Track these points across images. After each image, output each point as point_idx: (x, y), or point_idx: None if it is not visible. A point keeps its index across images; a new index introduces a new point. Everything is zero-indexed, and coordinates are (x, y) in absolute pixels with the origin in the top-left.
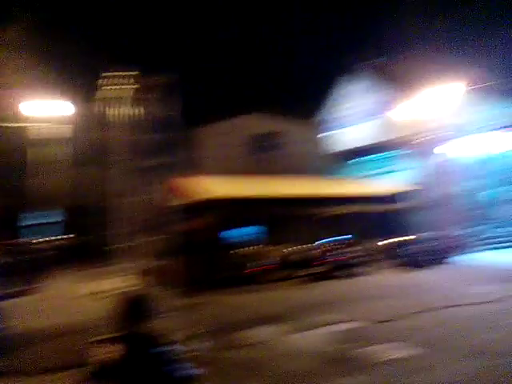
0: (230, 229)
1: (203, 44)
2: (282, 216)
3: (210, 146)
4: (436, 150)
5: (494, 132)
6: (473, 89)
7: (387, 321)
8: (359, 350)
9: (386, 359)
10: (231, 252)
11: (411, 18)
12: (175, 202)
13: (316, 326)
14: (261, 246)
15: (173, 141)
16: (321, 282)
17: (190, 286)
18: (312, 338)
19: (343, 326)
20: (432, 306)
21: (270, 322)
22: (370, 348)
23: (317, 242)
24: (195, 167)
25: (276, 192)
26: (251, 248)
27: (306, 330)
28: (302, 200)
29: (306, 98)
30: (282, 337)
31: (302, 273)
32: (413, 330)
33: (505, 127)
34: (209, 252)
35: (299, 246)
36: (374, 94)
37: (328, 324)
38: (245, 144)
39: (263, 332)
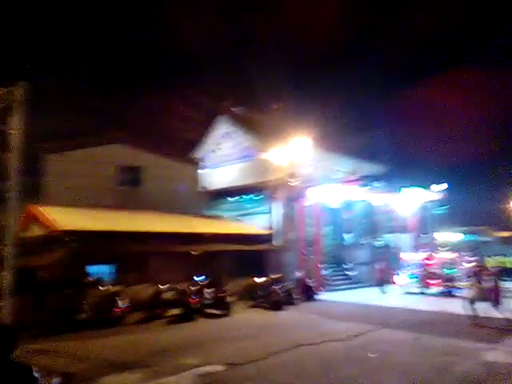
0: (88, 264)
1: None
2: (147, 253)
3: (66, 175)
4: (299, 195)
5: (345, 183)
6: (325, 145)
7: (249, 362)
8: None
9: None
10: (91, 290)
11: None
12: (22, 234)
13: (175, 372)
14: (124, 284)
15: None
16: (190, 322)
17: (42, 329)
18: None
19: (203, 370)
20: (291, 345)
21: (128, 368)
22: None
23: (186, 281)
24: (47, 196)
25: (137, 227)
26: (113, 286)
27: (164, 377)
28: (166, 236)
29: (179, 135)
30: None
31: (173, 312)
32: (269, 371)
33: (351, 180)
34: (65, 290)
35: (168, 285)
36: (247, 137)
37: (188, 368)
38: (108, 176)
39: (117, 381)
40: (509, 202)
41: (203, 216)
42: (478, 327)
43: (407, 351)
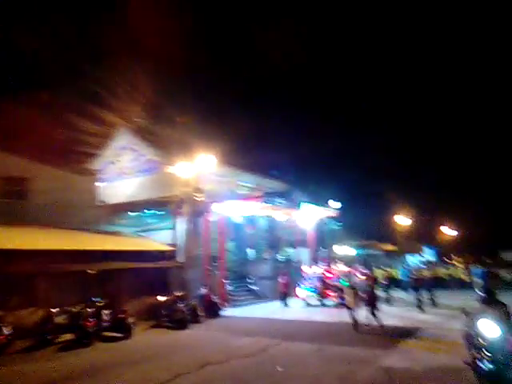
0: None
1: None
2: (33, 273)
3: None
4: (203, 211)
5: (249, 199)
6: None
7: None
8: None
9: None
10: None
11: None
12: None
13: None
14: (5, 309)
15: None
16: (87, 347)
17: None
18: None
19: None
20: (198, 364)
21: None
22: None
23: (81, 303)
24: None
25: (21, 244)
26: None
27: None
28: (55, 254)
29: (74, 145)
30: None
31: (66, 337)
32: None
33: (254, 196)
34: None
35: (59, 308)
36: (149, 150)
37: None
38: None
39: None
40: (392, 219)
41: (101, 232)
42: (371, 335)
43: (312, 362)
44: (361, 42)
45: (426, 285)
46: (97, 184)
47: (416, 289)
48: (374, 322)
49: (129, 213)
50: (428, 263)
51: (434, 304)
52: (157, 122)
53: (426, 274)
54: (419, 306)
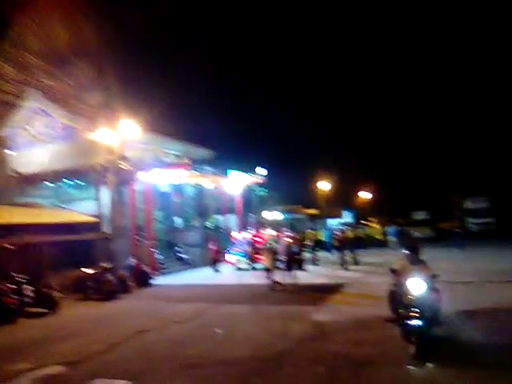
0: None
1: None
2: None
3: None
4: (129, 179)
5: (175, 167)
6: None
7: (91, 358)
8: None
9: None
10: None
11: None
12: None
13: (6, 379)
14: None
15: None
16: (9, 325)
17: None
18: None
19: (40, 374)
20: (133, 333)
21: None
22: None
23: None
24: None
25: None
26: None
27: None
28: None
29: None
30: None
31: None
32: (117, 362)
33: (181, 164)
34: None
35: None
36: (65, 114)
37: (21, 373)
38: None
39: None
40: (315, 184)
41: (17, 204)
42: (299, 293)
43: (249, 322)
44: None
45: (348, 245)
46: (8, 152)
47: (339, 249)
48: (293, 281)
49: (47, 183)
50: (347, 225)
51: (356, 262)
52: (74, 84)
53: (349, 234)
54: (343, 264)
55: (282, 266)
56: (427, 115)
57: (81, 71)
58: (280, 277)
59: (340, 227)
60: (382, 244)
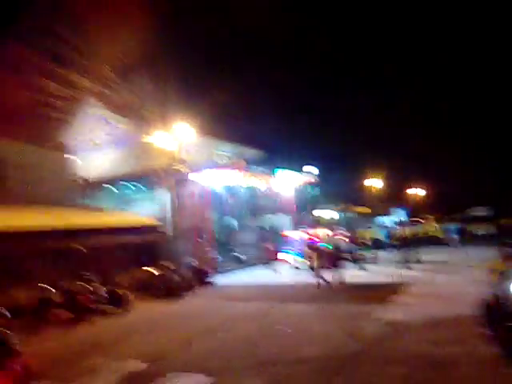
0: None
1: None
2: (20, 252)
3: None
4: (186, 181)
5: (229, 168)
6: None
7: (170, 355)
8: None
9: None
10: None
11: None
12: None
13: (94, 375)
14: None
15: None
16: (86, 323)
17: None
18: None
19: (125, 370)
20: (205, 331)
21: (35, 380)
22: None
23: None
24: None
25: (5, 225)
26: None
27: (82, 381)
28: (42, 233)
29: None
30: None
31: (63, 314)
32: (195, 360)
33: (234, 165)
34: None
35: (52, 286)
36: (124, 120)
37: (107, 369)
38: None
39: None
40: (365, 182)
41: (81, 208)
42: (362, 292)
43: (317, 322)
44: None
45: (409, 243)
46: (72, 158)
47: (401, 247)
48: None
49: (109, 187)
50: (401, 223)
51: (418, 261)
52: (132, 91)
53: (408, 232)
54: (404, 263)
55: (329, 264)
56: (484, 102)
57: (140, 78)
58: (328, 276)
59: (398, 225)
60: (439, 242)
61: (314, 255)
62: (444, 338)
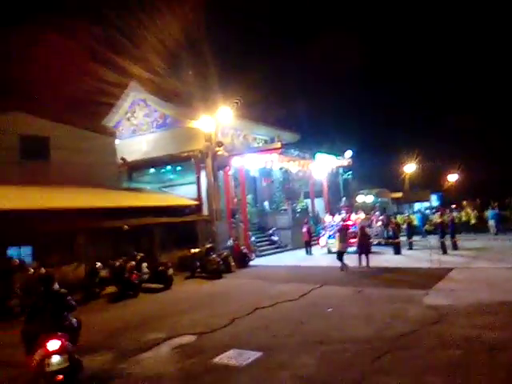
0: (8, 247)
1: None
2: (71, 230)
3: None
4: (224, 164)
5: (266, 151)
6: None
7: (216, 330)
8: (215, 360)
9: (244, 364)
10: (19, 274)
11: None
12: None
13: (147, 348)
14: (49, 266)
15: None
16: (132, 299)
17: None
18: (150, 361)
19: (175, 343)
20: (248, 309)
21: (94, 351)
22: (220, 357)
23: (118, 258)
24: None
25: (56, 203)
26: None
27: (137, 354)
28: (90, 212)
29: (87, 102)
30: (118, 365)
31: (110, 290)
32: (242, 335)
33: (271, 148)
34: None
35: (100, 263)
36: (163, 104)
37: (158, 343)
38: (8, 148)
39: (90, 364)
40: (400, 166)
41: (124, 189)
42: (402, 276)
43: (357, 303)
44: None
45: (446, 229)
46: (115, 141)
47: (441, 233)
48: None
49: (149, 169)
50: (438, 209)
51: (455, 247)
52: (173, 75)
53: (444, 218)
54: (443, 248)
55: (361, 248)
56: None
57: (183, 64)
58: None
59: (434, 210)
60: (477, 228)
61: (342, 238)
62: (492, 322)
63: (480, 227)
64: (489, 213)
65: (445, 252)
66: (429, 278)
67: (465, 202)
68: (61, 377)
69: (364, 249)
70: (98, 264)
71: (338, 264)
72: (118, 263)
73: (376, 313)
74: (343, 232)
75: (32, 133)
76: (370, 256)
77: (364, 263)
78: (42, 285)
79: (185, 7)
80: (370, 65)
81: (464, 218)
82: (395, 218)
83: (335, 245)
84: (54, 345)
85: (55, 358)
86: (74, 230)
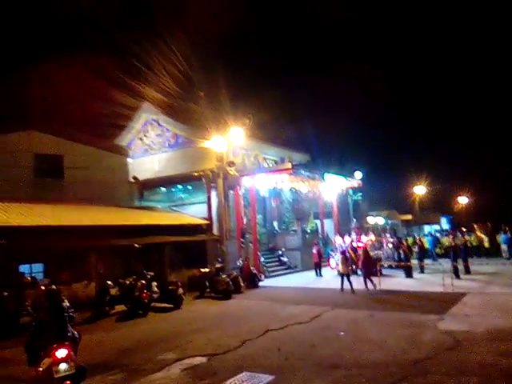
0: (20, 264)
1: None
2: (82, 248)
3: None
4: (235, 184)
5: (276, 172)
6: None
7: (228, 351)
8: (227, 383)
9: None
10: (31, 291)
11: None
12: None
13: (158, 368)
14: (60, 283)
15: None
16: (142, 318)
17: None
18: (162, 382)
19: (186, 364)
20: (259, 331)
21: (105, 370)
22: (232, 380)
23: (128, 276)
24: None
25: (69, 221)
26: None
27: (148, 374)
28: (102, 230)
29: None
30: None
31: (120, 308)
32: (254, 357)
33: (281, 169)
34: (1, 292)
35: (109, 281)
36: (175, 124)
37: (169, 363)
38: (23, 166)
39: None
40: (410, 189)
41: (136, 207)
42: (414, 300)
43: (370, 327)
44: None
45: (458, 252)
46: (128, 160)
47: (453, 257)
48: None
49: (160, 188)
50: (449, 232)
51: (467, 271)
52: (186, 96)
53: (456, 242)
54: (455, 272)
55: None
56: None
57: (194, 83)
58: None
59: (445, 233)
60: (489, 252)
61: (348, 260)
62: (508, 349)
63: (491, 251)
64: (501, 237)
65: (457, 276)
66: (442, 302)
67: (475, 226)
68: (68, 382)
69: (367, 271)
70: (109, 282)
71: (349, 287)
72: (128, 282)
73: (390, 337)
74: (345, 255)
75: (46, 151)
76: (382, 279)
77: (370, 286)
78: (48, 299)
79: (198, 30)
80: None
81: (475, 243)
82: (406, 240)
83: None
84: (61, 353)
85: (63, 366)
86: (85, 248)
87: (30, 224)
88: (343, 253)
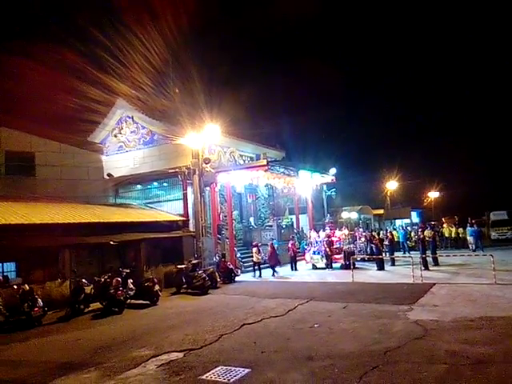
0: None
1: None
2: (55, 246)
3: None
4: (211, 181)
5: (252, 168)
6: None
7: (204, 346)
8: (203, 377)
9: (232, 381)
10: (2, 290)
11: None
12: None
13: (133, 365)
14: (33, 282)
15: None
16: (118, 315)
17: None
18: (138, 378)
19: (162, 359)
20: (235, 325)
21: (79, 368)
22: (208, 374)
23: (103, 273)
24: None
25: (41, 219)
26: (26, 285)
27: (124, 371)
28: (75, 227)
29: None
30: (105, 383)
31: (95, 306)
32: (230, 351)
33: (257, 165)
34: None
35: (84, 279)
36: (150, 121)
37: (145, 360)
38: None
39: (75, 382)
40: (381, 184)
41: (111, 205)
42: (385, 292)
43: (344, 319)
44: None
45: (427, 245)
46: (102, 157)
47: (422, 249)
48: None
49: (136, 185)
50: (419, 225)
51: (436, 263)
52: (161, 93)
53: (426, 235)
54: (424, 264)
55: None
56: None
57: (168, 80)
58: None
59: (415, 227)
60: (457, 245)
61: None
62: (475, 337)
63: (458, 243)
64: (468, 230)
65: (426, 268)
66: (412, 293)
67: (444, 219)
68: None
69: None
70: (83, 280)
71: (324, 280)
72: (103, 279)
73: (362, 328)
74: (258, 248)
75: (17, 149)
76: (355, 272)
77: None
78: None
79: (172, 26)
80: (353, 83)
81: (447, 234)
82: (378, 234)
83: (319, 260)
84: None
85: None
86: (59, 246)
87: (1, 222)
88: (256, 245)
